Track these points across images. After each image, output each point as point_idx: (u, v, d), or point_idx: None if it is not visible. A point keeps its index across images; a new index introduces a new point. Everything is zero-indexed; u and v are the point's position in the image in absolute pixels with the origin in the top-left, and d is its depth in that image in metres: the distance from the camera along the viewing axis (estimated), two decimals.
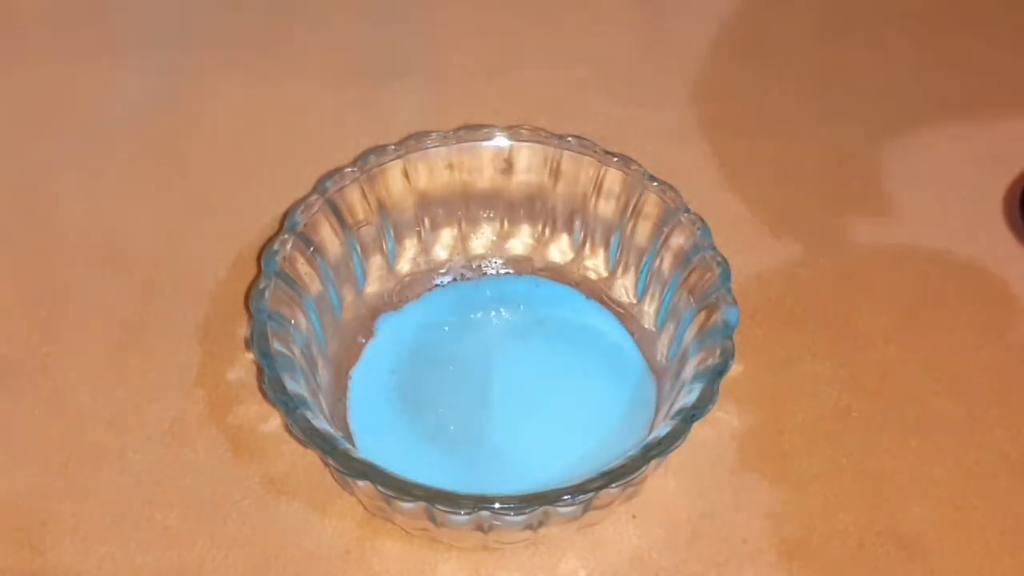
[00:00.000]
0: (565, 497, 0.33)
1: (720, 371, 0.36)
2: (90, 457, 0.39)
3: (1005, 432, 0.40)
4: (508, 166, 0.42)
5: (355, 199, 0.41)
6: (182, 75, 0.52)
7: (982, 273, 0.45)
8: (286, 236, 0.39)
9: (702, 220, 0.40)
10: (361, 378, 0.41)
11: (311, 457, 0.39)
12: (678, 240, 0.40)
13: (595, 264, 0.43)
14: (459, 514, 0.34)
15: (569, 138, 0.42)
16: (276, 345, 0.36)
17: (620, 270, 0.42)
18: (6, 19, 0.55)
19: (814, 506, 0.39)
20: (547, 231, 0.43)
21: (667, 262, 0.41)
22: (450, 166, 0.42)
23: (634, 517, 0.38)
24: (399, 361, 0.41)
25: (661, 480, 0.39)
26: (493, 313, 0.43)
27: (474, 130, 0.42)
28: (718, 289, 0.38)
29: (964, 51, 0.54)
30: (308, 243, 0.40)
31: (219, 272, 0.44)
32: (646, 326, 0.42)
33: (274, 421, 0.40)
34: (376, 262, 0.42)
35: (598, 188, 0.42)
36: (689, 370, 0.37)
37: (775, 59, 0.53)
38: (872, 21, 0.55)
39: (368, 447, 0.38)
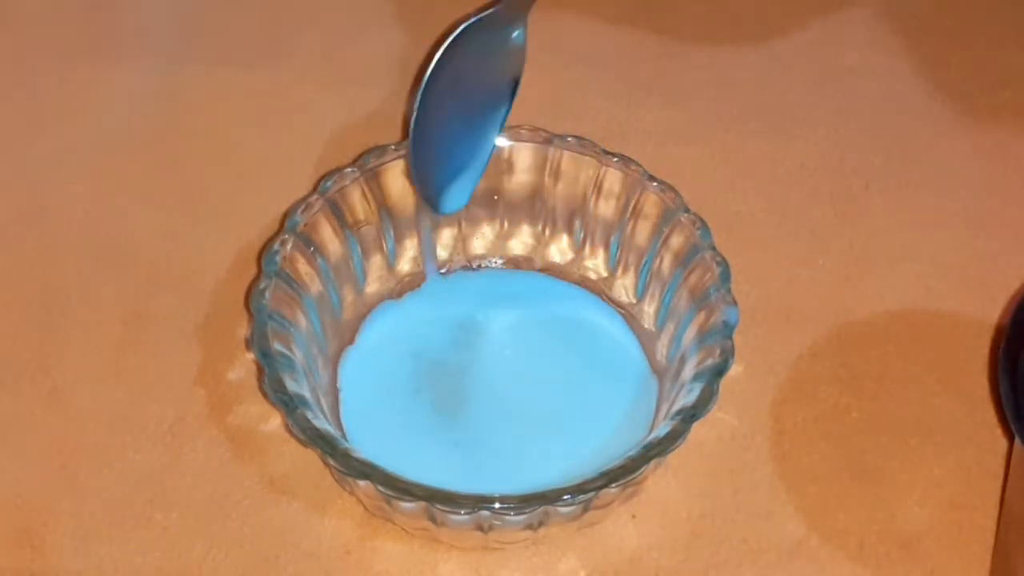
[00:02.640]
0: (565, 497, 0.33)
1: (720, 371, 0.36)
2: (90, 457, 0.39)
3: (1005, 432, 0.40)
4: (508, 166, 0.42)
5: (355, 199, 0.41)
6: (182, 75, 0.52)
7: (983, 272, 0.45)
8: (286, 236, 0.39)
9: (702, 220, 0.40)
10: (360, 376, 0.41)
11: (311, 457, 0.39)
12: (678, 240, 0.40)
13: (595, 264, 0.43)
14: (459, 514, 0.34)
15: (569, 138, 0.42)
16: (276, 345, 0.36)
17: (620, 270, 0.42)
18: (6, 19, 0.54)
19: (814, 506, 0.39)
20: (547, 231, 0.43)
21: (667, 262, 0.41)
22: None
23: (634, 517, 0.38)
24: (399, 360, 0.41)
25: (661, 480, 0.39)
26: (494, 311, 0.43)
27: None
28: (718, 289, 0.38)
29: (965, 51, 0.54)
30: (308, 243, 0.40)
31: (219, 272, 0.44)
32: (646, 326, 0.42)
33: (274, 421, 0.40)
34: (376, 262, 0.42)
35: (598, 188, 0.42)
36: (689, 370, 0.37)
37: (776, 59, 0.53)
38: (873, 20, 0.55)
39: (366, 446, 0.38)
